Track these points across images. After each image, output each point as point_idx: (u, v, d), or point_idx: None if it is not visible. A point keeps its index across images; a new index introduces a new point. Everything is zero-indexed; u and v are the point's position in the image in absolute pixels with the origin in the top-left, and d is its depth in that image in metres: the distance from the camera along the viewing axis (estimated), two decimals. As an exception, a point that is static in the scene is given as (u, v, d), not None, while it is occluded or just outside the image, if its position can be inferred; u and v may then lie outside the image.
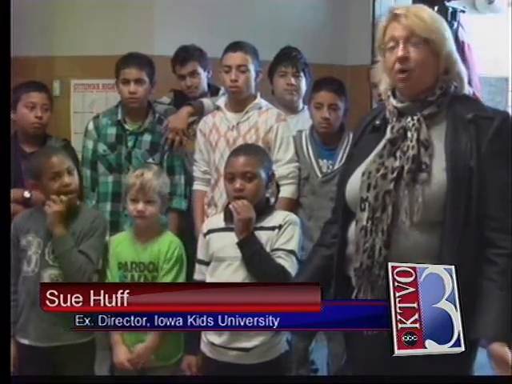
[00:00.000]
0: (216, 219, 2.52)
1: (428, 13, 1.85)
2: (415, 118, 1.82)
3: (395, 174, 1.79)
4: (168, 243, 2.60)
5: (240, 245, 2.32)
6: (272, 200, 2.89)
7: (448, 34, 1.86)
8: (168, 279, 2.55)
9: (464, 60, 4.75)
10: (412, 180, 1.77)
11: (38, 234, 2.58)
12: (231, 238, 2.35)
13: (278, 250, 2.35)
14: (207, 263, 2.43)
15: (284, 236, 2.36)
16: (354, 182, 1.88)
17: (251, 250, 2.31)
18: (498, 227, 1.74)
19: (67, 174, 2.58)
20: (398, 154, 1.81)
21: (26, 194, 2.93)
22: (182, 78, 3.41)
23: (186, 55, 3.40)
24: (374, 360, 1.90)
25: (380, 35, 1.87)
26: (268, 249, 2.34)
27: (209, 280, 2.39)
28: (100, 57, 4.00)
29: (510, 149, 1.78)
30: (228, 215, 2.39)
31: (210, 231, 2.45)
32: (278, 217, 2.40)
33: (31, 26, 4.16)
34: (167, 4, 4.16)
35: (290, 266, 2.32)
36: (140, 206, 2.57)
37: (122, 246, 2.62)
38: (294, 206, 3.00)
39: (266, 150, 2.82)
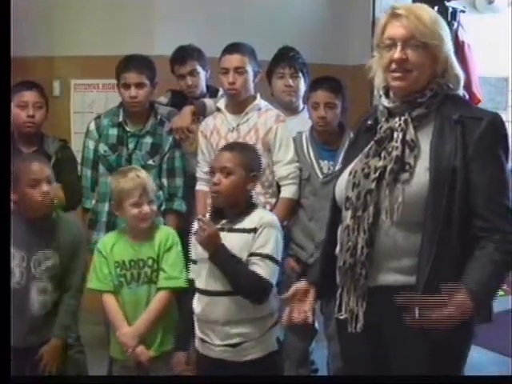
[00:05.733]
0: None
1: (429, 15, 1.83)
2: (403, 118, 1.82)
3: (377, 174, 1.79)
4: (165, 236, 2.61)
5: (211, 260, 2.28)
6: (262, 199, 2.89)
7: (447, 36, 1.84)
8: (169, 263, 2.57)
9: (464, 60, 4.79)
10: (393, 180, 1.76)
11: (21, 248, 2.52)
12: None
13: (253, 254, 2.27)
14: (195, 262, 2.41)
15: (259, 240, 2.27)
16: (342, 182, 1.90)
17: (222, 263, 2.26)
18: (485, 227, 1.72)
19: (46, 182, 2.52)
20: (383, 154, 1.81)
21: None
22: (182, 77, 3.40)
23: (185, 54, 3.40)
24: (365, 359, 1.91)
25: (379, 33, 1.86)
26: (245, 253, 2.28)
27: (196, 280, 2.39)
28: (100, 57, 4.00)
29: (499, 149, 1.77)
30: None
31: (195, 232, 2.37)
32: (255, 218, 2.31)
33: (31, 26, 4.17)
34: (167, 4, 4.16)
35: (266, 272, 2.26)
36: (146, 208, 2.53)
37: (118, 246, 2.61)
38: (294, 206, 3.01)
39: (259, 150, 2.78)
